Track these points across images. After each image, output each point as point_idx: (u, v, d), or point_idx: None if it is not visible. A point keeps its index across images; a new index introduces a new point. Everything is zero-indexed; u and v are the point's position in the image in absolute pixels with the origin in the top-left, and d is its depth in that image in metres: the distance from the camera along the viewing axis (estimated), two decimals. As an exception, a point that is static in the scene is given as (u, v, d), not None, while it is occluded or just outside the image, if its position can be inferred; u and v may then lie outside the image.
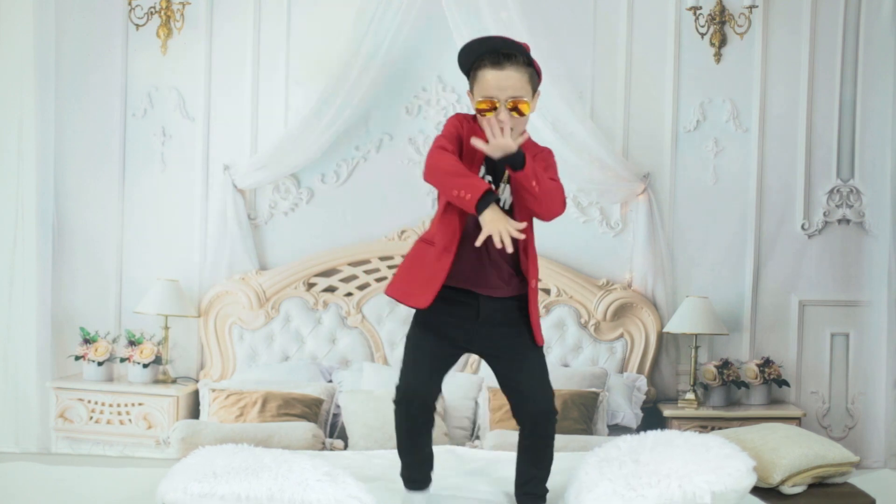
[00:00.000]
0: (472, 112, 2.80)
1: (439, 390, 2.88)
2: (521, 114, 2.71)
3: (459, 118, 2.81)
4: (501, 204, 2.75)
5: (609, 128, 4.97)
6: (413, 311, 2.87)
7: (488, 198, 2.59)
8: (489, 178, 2.76)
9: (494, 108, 2.70)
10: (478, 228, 2.64)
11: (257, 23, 5.01)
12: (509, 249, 2.59)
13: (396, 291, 2.82)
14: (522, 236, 2.61)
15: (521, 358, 2.81)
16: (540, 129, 4.82)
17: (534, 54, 4.71)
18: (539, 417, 2.78)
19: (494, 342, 2.82)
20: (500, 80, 2.69)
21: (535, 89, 2.77)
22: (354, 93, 4.84)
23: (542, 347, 2.86)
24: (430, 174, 2.69)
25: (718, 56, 4.97)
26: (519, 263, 2.80)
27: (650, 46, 4.98)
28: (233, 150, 5.02)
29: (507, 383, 2.84)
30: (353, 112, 4.89)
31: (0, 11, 4.82)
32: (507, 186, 2.75)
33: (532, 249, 2.81)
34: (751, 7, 4.83)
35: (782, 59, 4.97)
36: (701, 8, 4.91)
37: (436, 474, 3.18)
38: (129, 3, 4.97)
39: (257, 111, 5.03)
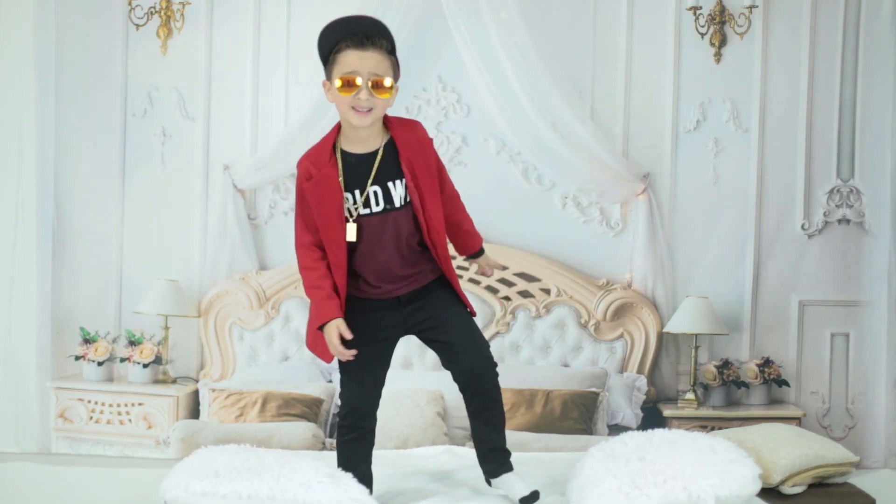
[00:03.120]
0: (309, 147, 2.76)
1: (380, 397, 2.86)
2: (382, 94, 2.61)
3: (303, 169, 2.70)
4: (397, 203, 2.67)
5: (609, 128, 4.97)
6: None
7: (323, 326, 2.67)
8: (346, 195, 2.67)
9: (354, 87, 2.61)
10: (366, 245, 2.68)
11: (257, 23, 5.01)
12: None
13: (310, 346, 2.83)
14: (347, 335, 2.65)
15: (444, 316, 2.78)
16: (540, 129, 4.83)
17: (534, 54, 4.76)
18: (476, 369, 2.75)
19: (420, 316, 2.78)
20: (362, 59, 2.62)
21: (396, 78, 2.68)
22: (354, 93, 4.83)
23: (469, 313, 2.84)
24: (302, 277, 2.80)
25: (718, 56, 4.97)
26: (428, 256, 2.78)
27: (650, 46, 4.97)
28: (233, 150, 5.02)
29: (440, 348, 2.81)
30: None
31: (0, 11, 4.82)
32: (399, 182, 2.67)
33: (436, 236, 2.74)
34: (751, 7, 4.83)
35: (782, 59, 4.97)
36: (701, 8, 4.91)
37: (435, 474, 3.18)
38: (129, 3, 4.97)
39: (257, 111, 5.03)
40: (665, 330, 4.85)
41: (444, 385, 4.51)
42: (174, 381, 4.86)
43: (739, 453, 2.78)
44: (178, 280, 4.87)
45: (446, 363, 2.83)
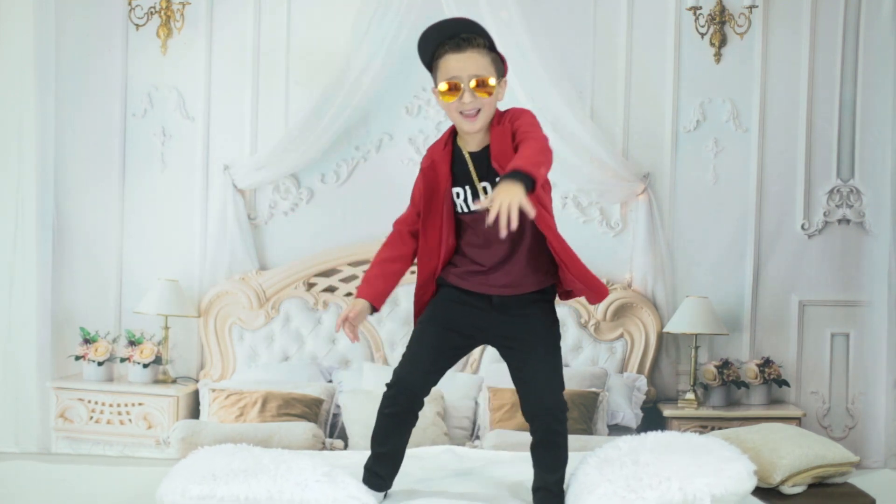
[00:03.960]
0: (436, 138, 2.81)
1: (434, 385, 2.81)
2: (487, 93, 2.62)
3: (425, 158, 2.77)
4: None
5: (609, 128, 4.97)
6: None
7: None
8: (458, 190, 2.70)
9: (458, 90, 2.62)
10: (476, 234, 2.68)
11: (257, 23, 5.01)
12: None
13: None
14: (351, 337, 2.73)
15: (530, 350, 2.73)
16: (540, 129, 4.82)
17: (534, 54, 4.76)
18: (543, 414, 2.70)
19: (508, 331, 2.75)
20: (461, 62, 2.62)
21: (500, 75, 2.68)
22: (354, 93, 4.84)
23: (557, 341, 2.78)
24: None
25: (718, 56, 4.97)
26: (534, 258, 2.73)
27: (650, 46, 4.98)
28: (233, 150, 5.02)
29: (516, 375, 2.77)
30: (353, 112, 4.89)
31: (0, 11, 4.82)
32: (490, 185, 2.66)
33: (546, 231, 2.67)
34: (751, 7, 4.83)
35: (782, 59, 4.97)
36: (701, 8, 4.91)
37: (435, 474, 3.18)
38: (129, 3, 4.97)
39: (257, 111, 5.03)
40: (665, 330, 4.85)
41: (445, 385, 4.49)
42: (174, 381, 4.86)
43: (733, 451, 2.78)
44: (178, 280, 4.87)
45: (518, 392, 2.78)
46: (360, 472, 2.84)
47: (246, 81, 5.02)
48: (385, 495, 2.86)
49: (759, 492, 3.25)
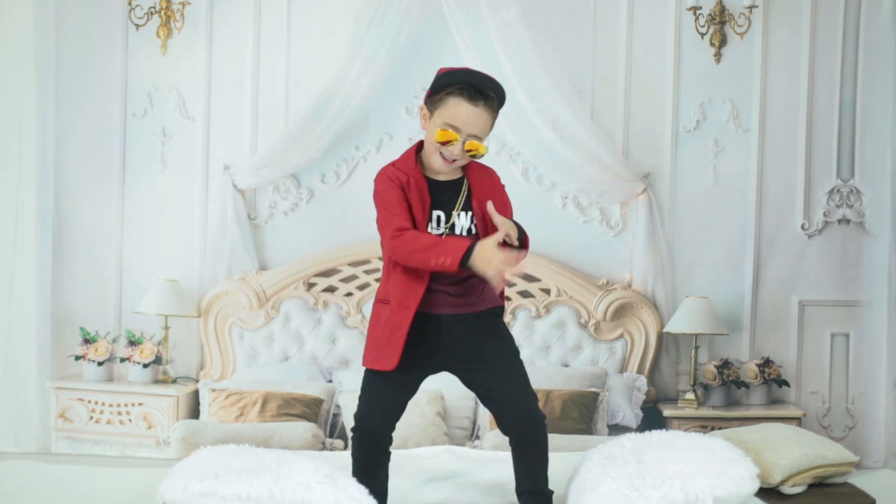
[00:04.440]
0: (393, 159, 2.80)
1: (396, 420, 2.81)
2: (472, 154, 2.69)
3: (391, 174, 2.74)
4: (459, 231, 2.72)
5: (609, 128, 4.97)
6: None
7: (468, 253, 2.55)
8: (439, 213, 2.72)
9: (451, 137, 2.65)
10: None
11: (257, 23, 5.01)
12: (510, 279, 2.66)
13: (366, 359, 2.79)
14: (517, 269, 2.55)
15: (499, 366, 2.74)
16: (540, 128, 4.83)
17: (534, 54, 4.76)
18: (531, 425, 2.73)
19: (464, 353, 2.74)
20: (470, 116, 2.65)
21: (489, 131, 2.74)
22: (354, 93, 4.84)
23: (518, 353, 2.80)
24: (405, 260, 2.67)
25: (718, 56, 4.97)
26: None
27: (650, 46, 4.98)
28: (233, 150, 5.02)
29: (488, 395, 2.78)
30: (353, 112, 4.89)
31: (0, 11, 4.82)
32: (465, 213, 2.72)
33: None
34: (751, 7, 4.83)
35: (782, 59, 4.97)
36: (701, 8, 4.91)
37: (435, 474, 3.18)
38: (129, 3, 4.97)
39: (257, 111, 5.03)
40: (665, 330, 4.85)
41: (445, 385, 4.51)
42: (174, 381, 4.86)
43: (737, 452, 2.78)
44: (178, 280, 4.87)
45: (492, 409, 2.79)
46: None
47: (246, 81, 5.02)
48: None
49: (758, 492, 3.25)
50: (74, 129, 4.98)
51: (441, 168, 2.72)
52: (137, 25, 4.99)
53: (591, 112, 4.95)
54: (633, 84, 4.99)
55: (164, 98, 5.03)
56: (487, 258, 2.53)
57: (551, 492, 2.80)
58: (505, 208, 2.75)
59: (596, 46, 4.98)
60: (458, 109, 2.66)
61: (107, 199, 5.01)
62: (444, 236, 2.70)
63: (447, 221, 2.72)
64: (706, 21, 4.95)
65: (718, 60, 4.98)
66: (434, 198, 2.73)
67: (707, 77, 4.97)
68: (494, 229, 2.63)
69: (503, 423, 2.77)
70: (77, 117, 4.97)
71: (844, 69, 4.96)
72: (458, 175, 2.77)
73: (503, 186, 2.83)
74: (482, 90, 2.67)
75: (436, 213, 2.72)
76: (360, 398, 2.81)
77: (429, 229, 2.71)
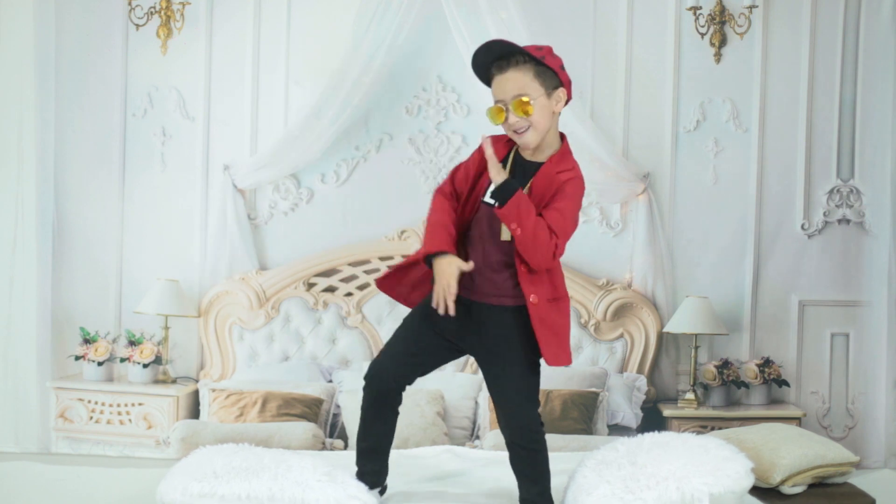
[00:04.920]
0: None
1: (412, 377, 2.82)
2: (525, 111, 2.65)
3: (493, 139, 2.76)
4: None
5: (609, 128, 4.97)
6: None
7: (438, 255, 2.62)
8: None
9: (503, 111, 2.68)
10: (481, 237, 2.70)
11: (257, 23, 5.01)
12: (447, 311, 2.60)
13: (387, 286, 2.83)
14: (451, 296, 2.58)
15: (504, 367, 2.72)
16: (540, 129, 4.82)
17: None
18: (517, 431, 2.72)
19: (484, 347, 2.75)
20: (503, 84, 2.68)
21: (550, 86, 2.69)
22: (354, 93, 4.84)
23: (536, 364, 2.74)
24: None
25: (718, 56, 4.97)
26: (524, 279, 2.70)
27: (650, 46, 4.97)
28: (233, 150, 5.02)
29: (491, 391, 2.79)
30: (353, 112, 4.89)
31: (0, 11, 4.82)
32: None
33: (544, 273, 2.72)
34: (751, 7, 4.83)
35: (782, 59, 4.97)
36: (701, 8, 4.91)
37: (435, 474, 3.18)
38: (129, 3, 4.97)
39: (257, 111, 5.03)
40: (665, 330, 4.85)
41: (445, 385, 4.52)
42: (174, 381, 4.86)
43: (731, 450, 2.79)
44: (178, 280, 4.87)
45: (494, 406, 2.80)
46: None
47: (246, 81, 5.02)
48: (383, 491, 2.87)
49: (759, 492, 3.25)
50: (74, 129, 4.98)
51: (521, 142, 2.71)
52: (137, 25, 4.99)
53: (591, 112, 4.95)
54: (633, 84, 4.99)
55: (164, 98, 5.03)
56: (442, 273, 2.62)
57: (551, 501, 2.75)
58: (544, 198, 2.70)
59: (596, 46, 4.98)
60: (495, 88, 2.71)
61: (107, 199, 5.02)
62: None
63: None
64: (706, 21, 4.95)
65: (718, 60, 4.97)
66: (514, 172, 2.71)
67: (707, 77, 4.97)
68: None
69: (499, 425, 2.78)
70: (77, 117, 4.98)
71: (844, 69, 4.96)
72: (543, 158, 2.75)
73: (565, 181, 2.74)
74: (504, 57, 2.67)
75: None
76: (386, 343, 2.85)
77: (486, 198, 2.70)
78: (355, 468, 2.84)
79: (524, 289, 2.68)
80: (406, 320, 2.85)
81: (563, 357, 2.72)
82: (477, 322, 2.74)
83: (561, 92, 2.72)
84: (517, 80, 2.67)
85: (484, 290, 2.73)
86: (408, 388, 2.87)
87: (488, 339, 2.74)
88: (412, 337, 2.80)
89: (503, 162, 2.74)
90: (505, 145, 2.78)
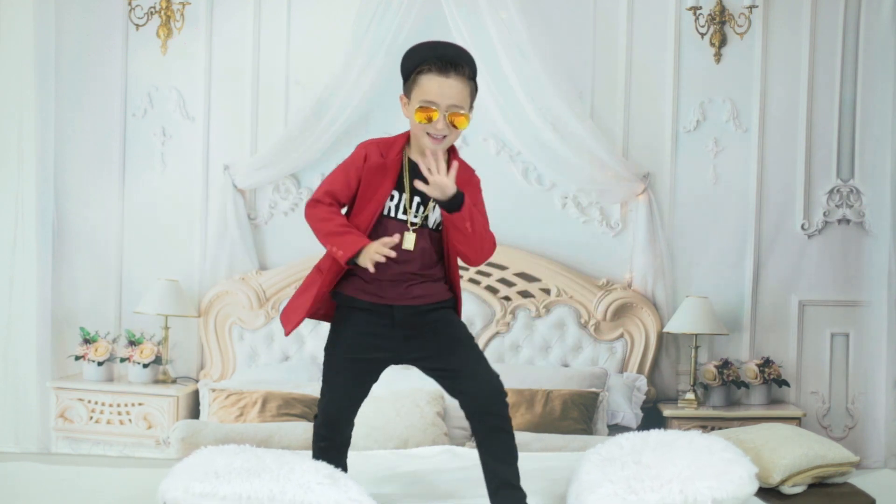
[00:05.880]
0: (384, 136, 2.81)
1: (355, 411, 2.83)
2: (457, 124, 2.66)
3: (367, 146, 2.75)
4: (432, 224, 2.72)
5: (609, 128, 4.97)
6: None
7: (359, 253, 2.61)
8: (418, 199, 2.71)
9: (431, 114, 2.64)
10: (406, 254, 2.69)
11: (257, 23, 5.01)
12: (388, 256, 2.60)
13: (298, 322, 2.79)
14: (392, 253, 2.59)
15: (454, 346, 2.73)
16: (540, 129, 4.83)
17: (534, 54, 4.76)
18: (493, 397, 2.67)
19: (420, 344, 2.74)
20: (444, 88, 2.64)
21: (471, 105, 2.71)
22: (354, 93, 4.84)
23: (472, 337, 2.81)
24: (313, 231, 2.73)
25: (718, 56, 4.97)
26: (444, 272, 2.77)
27: (650, 46, 4.98)
28: (233, 150, 5.02)
29: (446, 377, 2.75)
30: (353, 112, 4.88)
31: (0, 11, 4.82)
32: (437, 207, 2.69)
33: (453, 261, 2.77)
34: (751, 7, 4.83)
35: (782, 59, 4.97)
36: (701, 8, 4.91)
37: (434, 474, 3.18)
38: (129, 3, 4.97)
39: (257, 111, 5.03)
40: (665, 330, 4.85)
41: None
42: (174, 381, 4.86)
43: (736, 453, 2.78)
44: (178, 280, 4.87)
45: (452, 391, 2.75)
46: (360, 474, 2.85)
47: (246, 81, 5.02)
48: None
49: (758, 492, 3.25)
50: (74, 129, 4.98)
51: (433, 147, 2.66)
52: (137, 25, 4.99)
53: (591, 112, 4.95)
54: (633, 84, 4.99)
55: (164, 98, 5.03)
56: (365, 252, 2.61)
57: (523, 492, 2.70)
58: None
59: (596, 46, 4.98)
60: (431, 85, 2.65)
61: (107, 199, 5.02)
62: (409, 226, 2.70)
63: (423, 210, 2.71)
64: (706, 21, 4.95)
65: (718, 60, 4.98)
66: (401, 179, 2.71)
67: (707, 77, 4.97)
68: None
69: (464, 400, 2.71)
70: (77, 117, 4.98)
71: (844, 69, 4.96)
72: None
73: (478, 182, 2.82)
74: (451, 61, 2.65)
75: (416, 199, 2.71)
76: (321, 389, 2.83)
77: (399, 214, 2.70)
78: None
79: (454, 280, 2.79)
80: (330, 358, 2.80)
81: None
82: (402, 323, 2.73)
83: (471, 111, 2.73)
84: (460, 91, 2.66)
85: (407, 294, 2.73)
86: (408, 388, 2.90)
87: (423, 341, 2.73)
88: (346, 379, 2.78)
89: (401, 170, 2.72)
90: (398, 155, 2.73)
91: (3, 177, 4.86)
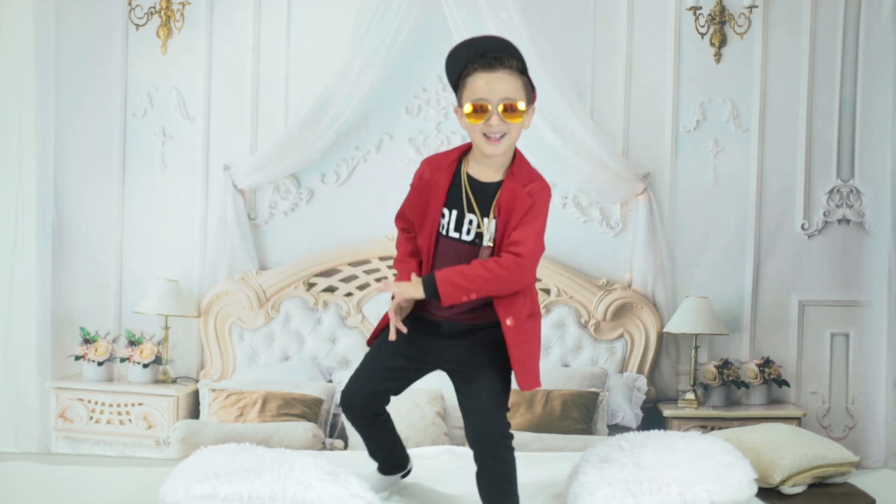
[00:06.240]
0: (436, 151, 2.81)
1: (383, 401, 2.81)
2: (515, 118, 2.52)
3: (422, 166, 2.69)
4: (488, 239, 2.57)
5: (609, 128, 4.97)
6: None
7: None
8: (472, 217, 2.59)
9: (485, 112, 2.51)
10: (448, 257, 2.61)
11: (257, 23, 5.01)
12: (392, 336, 2.63)
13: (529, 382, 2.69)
14: (402, 329, 2.61)
15: (476, 371, 2.64)
16: (540, 129, 4.82)
17: (534, 54, 4.77)
18: (487, 433, 2.58)
19: (455, 354, 2.67)
20: (492, 82, 2.50)
21: (530, 100, 2.57)
22: (354, 93, 4.84)
23: (508, 380, 2.64)
24: None
25: (718, 56, 4.97)
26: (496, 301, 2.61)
27: (650, 46, 4.98)
28: (233, 150, 5.02)
29: (463, 400, 2.68)
30: (353, 112, 4.89)
31: (0, 11, 4.82)
32: (492, 220, 2.58)
33: (517, 295, 2.61)
34: (751, 7, 4.83)
35: (782, 59, 4.97)
36: (701, 8, 4.91)
37: (435, 474, 3.18)
38: (129, 3, 4.97)
39: (257, 111, 5.03)
40: (665, 330, 4.85)
41: (445, 385, 4.49)
42: (174, 381, 4.86)
43: (736, 455, 2.78)
44: (178, 280, 4.87)
45: (461, 410, 2.71)
46: (362, 471, 2.86)
47: (246, 81, 5.02)
48: (407, 473, 2.97)
49: (759, 492, 3.25)
50: (74, 129, 4.98)
51: (491, 151, 2.53)
52: (137, 25, 4.99)
53: (591, 112, 4.96)
54: (633, 84, 4.99)
55: (164, 98, 5.03)
56: (393, 302, 2.65)
57: None
58: (512, 216, 2.55)
59: (596, 46, 4.98)
60: (478, 83, 2.51)
61: (107, 199, 5.01)
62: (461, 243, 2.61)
63: (477, 226, 2.58)
64: (706, 21, 4.95)
65: (718, 60, 4.97)
66: (469, 200, 2.59)
67: (707, 77, 4.97)
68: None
69: (466, 431, 2.66)
70: (77, 117, 4.97)
71: (844, 69, 4.96)
72: (502, 175, 2.60)
73: (532, 196, 2.56)
74: (494, 55, 2.52)
75: (469, 216, 2.59)
76: (354, 371, 2.86)
77: (451, 232, 2.61)
78: (379, 472, 2.92)
79: (499, 312, 2.59)
80: (372, 349, 2.83)
81: (533, 381, 2.64)
82: (448, 337, 2.68)
83: (533, 109, 2.61)
84: (510, 83, 2.52)
85: (450, 313, 2.65)
86: (408, 388, 2.88)
87: (463, 351, 2.66)
88: (378, 367, 2.78)
89: (451, 187, 2.61)
90: (447, 170, 2.63)
91: (3, 177, 4.85)
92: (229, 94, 5.02)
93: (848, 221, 4.99)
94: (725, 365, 4.81)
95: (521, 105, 2.53)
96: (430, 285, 2.52)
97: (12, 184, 4.85)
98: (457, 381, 2.70)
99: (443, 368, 2.76)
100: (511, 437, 2.61)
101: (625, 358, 4.90)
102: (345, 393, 2.83)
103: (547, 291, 4.92)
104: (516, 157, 2.62)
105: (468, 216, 2.60)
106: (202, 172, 5.03)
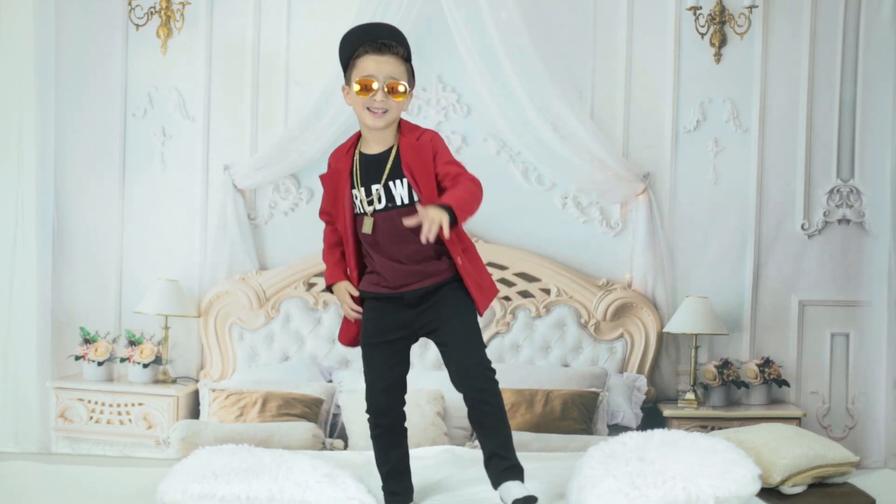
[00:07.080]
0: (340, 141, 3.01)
1: (399, 395, 2.94)
2: (397, 97, 2.80)
3: (330, 160, 2.97)
4: (399, 201, 2.82)
5: (609, 128, 4.97)
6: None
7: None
8: (377, 187, 2.84)
9: (370, 90, 2.78)
10: (378, 238, 2.84)
11: (257, 23, 5.01)
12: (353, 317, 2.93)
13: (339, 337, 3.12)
14: (356, 312, 2.94)
15: (449, 319, 2.84)
16: (540, 129, 4.83)
17: (534, 54, 4.76)
18: (474, 369, 2.79)
19: (425, 319, 2.87)
20: (380, 63, 2.80)
21: (410, 85, 2.86)
22: (354, 93, 4.84)
23: (473, 314, 2.88)
24: None
25: (718, 56, 4.97)
26: (443, 250, 2.86)
27: (650, 46, 4.97)
28: (233, 150, 5.02)
29: (442, 351, 2.88)
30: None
31: (0, 11, 4.82)
32: (399, 182, 2.82)
33: (453, 232, 2.78)
34: (751, 7, 4.83)
35: (782, 59, 4.97)
36: (701, 8, 4.91)
37: (435, 475, 3.18)
38: (129, 3, 4.97)
39: (257, 111, 5.03)
40: (665, 330, 4.85)
41: (444, 385, 4.50)
42: (174, 381, 4.86)
43: (739, 453, 2.79)
44: (178, 280, 4.87)
45: (445, 363, 2.89)
46: (361, 472, 2.86)
47: (246, 81, 5.02)
48: None
49: (759, 492, 3.25)
50: (74, 129, 4.98)
51: (373, 123, 2.81)
52: (137, 25, 4.99)
53: (591, 112, 4.95)
54: (633, 84, 4.99)
55: (164, 98, 5.03)
56: (339, 298, 2.99)
57: (518, 464, 2.80)
58: (427, 173, 2.82)
59: (596, 46, 4.98)
60: (367, 63, 2.82)
61: (107, 199, 5.01)
62: (368, 214, 2.85)
63: (385, 193, 2.83)
64: (706, 21, 4.95)
65: (718, 60, 4.97)
66: (366, 173, 2.86)
67: (707, 77, 4.97)
68: (430, 195, 2.78)
69: (450, 372, 2.84)
70: (77, 117, 4.97)
71: (844, 69, 4.96)
72: (389, 145, 2.87)
73: (431, 140, 2.87)
74: (384, 41, 2.82)
75: (374, 187, 2.85)
76: (365, 380, 2.95)
77: (366, 206, 2.85)
78: (382, 493, 2.93)
79: (453, 255, 2.84)
80: (364, 350, 2.96)
81: (489, 295, 2.92)
82: (415, 307, 2.87)
83: (411, 94, 2.88)
84: (396, 66, 2.81)
85: (418, 279, 2.85)
86: (408, 388, 2.95)
87: (431, 312, 2.86)
88: (379, 365, 2.92)
89: (352, 169, 2.89)
90: (346, 156, 2.91)
91: (3, 177, 4.85)
92: (229, 94, 5.02)
93: (848, 221, 4.99)
94: (725, 365, 4.81)
95: (403, 87, 2.83)
96: (449, 209, 2.69)
97: (12, 184, 4.85)
98: (437, 338, 2.89)
99: (422, 335, 2.94)
100: (494, 370, 2.82)
101: (625, 358, 4.90)
102: (368, 400, 2.94)
103: (547, 291, 4.92)
104: (401, 123, 2.91)
105: (373, 188, 2.85)
106: (202, 172, 5.03)
